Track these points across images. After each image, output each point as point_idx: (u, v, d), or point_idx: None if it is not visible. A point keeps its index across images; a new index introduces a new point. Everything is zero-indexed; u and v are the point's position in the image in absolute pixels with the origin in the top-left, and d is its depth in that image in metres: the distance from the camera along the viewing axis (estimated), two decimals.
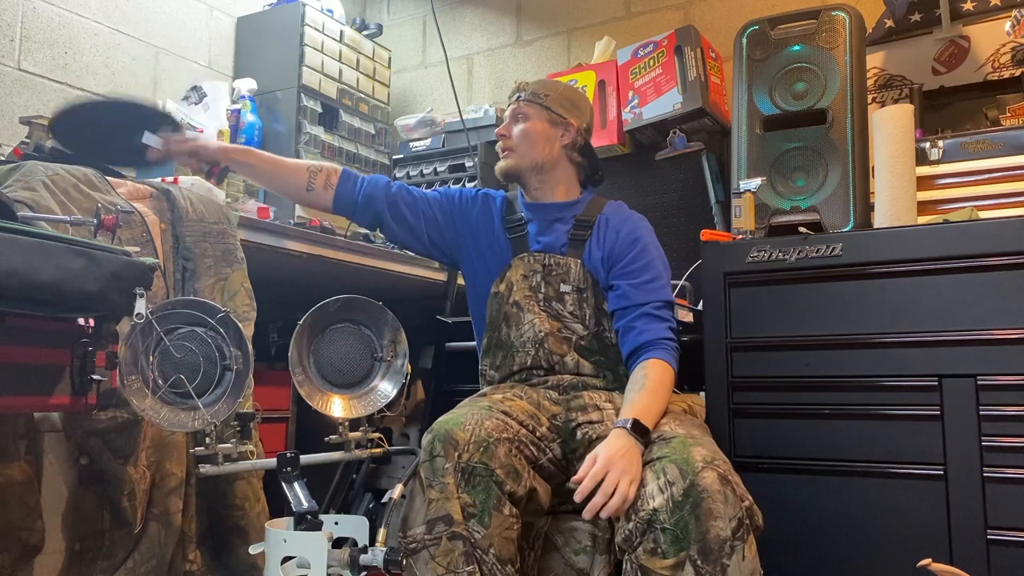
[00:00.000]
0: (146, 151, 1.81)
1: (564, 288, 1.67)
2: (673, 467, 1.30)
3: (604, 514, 1.30)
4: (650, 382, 1.50)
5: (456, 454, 1.33)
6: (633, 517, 1.30)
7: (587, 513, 1.31)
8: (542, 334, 1.65)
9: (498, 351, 1.71)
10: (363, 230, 2.25)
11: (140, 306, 1.39)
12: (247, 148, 1.86)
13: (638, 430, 1.39)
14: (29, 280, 1.18)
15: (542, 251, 1.72)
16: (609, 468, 1.31)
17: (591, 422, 1.53)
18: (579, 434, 1.52)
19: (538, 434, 1.48)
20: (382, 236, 2.00)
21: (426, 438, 1.39)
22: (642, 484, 1.33)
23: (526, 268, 1.70)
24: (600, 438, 1.46)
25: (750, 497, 1.32)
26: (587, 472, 1.33)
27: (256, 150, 1.87)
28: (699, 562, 1.24)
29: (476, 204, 1.82)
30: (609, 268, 1.68)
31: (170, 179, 1.90)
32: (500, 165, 1.77)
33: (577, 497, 1.32)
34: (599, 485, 1.31)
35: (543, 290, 1.68)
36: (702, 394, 1.84)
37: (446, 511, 1.30)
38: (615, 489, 1.29)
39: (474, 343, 1.90)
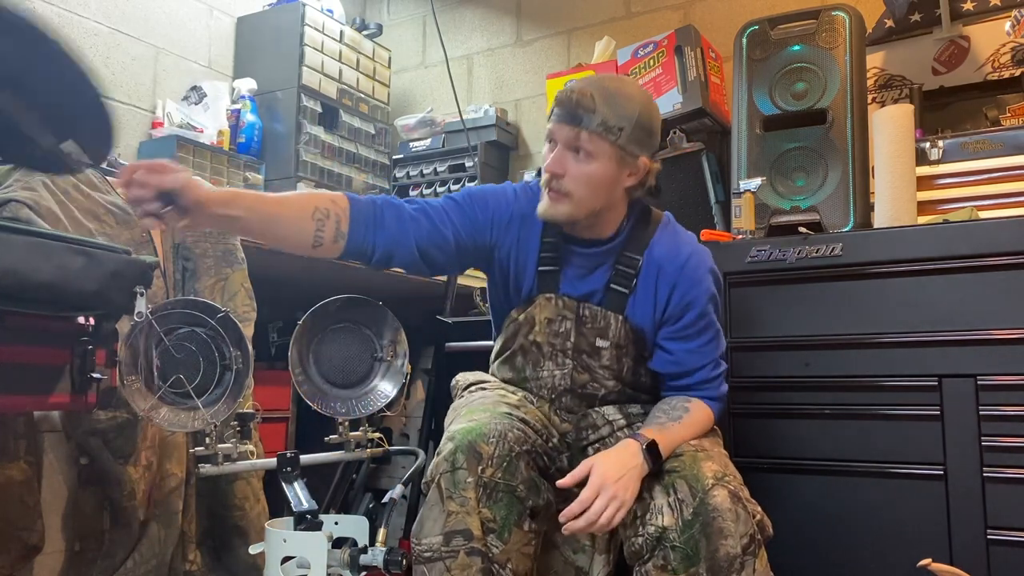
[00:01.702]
0: (63, 158, 1.24)
1: (601, 344, 1.48)
2: (683, 484, 1.29)
3: (582, 532, 1.29)
4: (688, 418, 1.41)
5: (479, 468, 1.30)
6: (641, 531, 1.29)
7: (566, 530, 1.28)
8: (561, 388, 1.52)
9: (510, 371, 1.59)
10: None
11: (140, 305, 1.39)
12: (231, 194, 1.32)
13: (652, 453, 1.31)
14: (29, 279, 1.18)
15: (576, 299, 1.49)
16: (600, 491, 1.26)
17: (601, 438, 1.50)
18: (590, 451, 1.49)
19: (550, 444, 1.46)
20: None
21: (447, 446, 1.33)
22: (650, 497, 1.31)
23: (553, 312, 1.49)
24: None
25: (760, 510, 1.31)
26: (576, 480, 1.29)
27: (243, 194, 1.35)
28: None
29: (516, 220, 1.52)
30: (660, 326, 1.48)
31: None
32: (549, 211, 1.42)
33: (561, 519, 1.28)
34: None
35: (573, 339, 1.49)
36: None
37: (466, 525, 1.27)
38: (600, 515, 1.25)
39: (474, 343, 1.88)
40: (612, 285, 1.48)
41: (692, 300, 1.45)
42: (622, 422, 1.50)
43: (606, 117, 1.36)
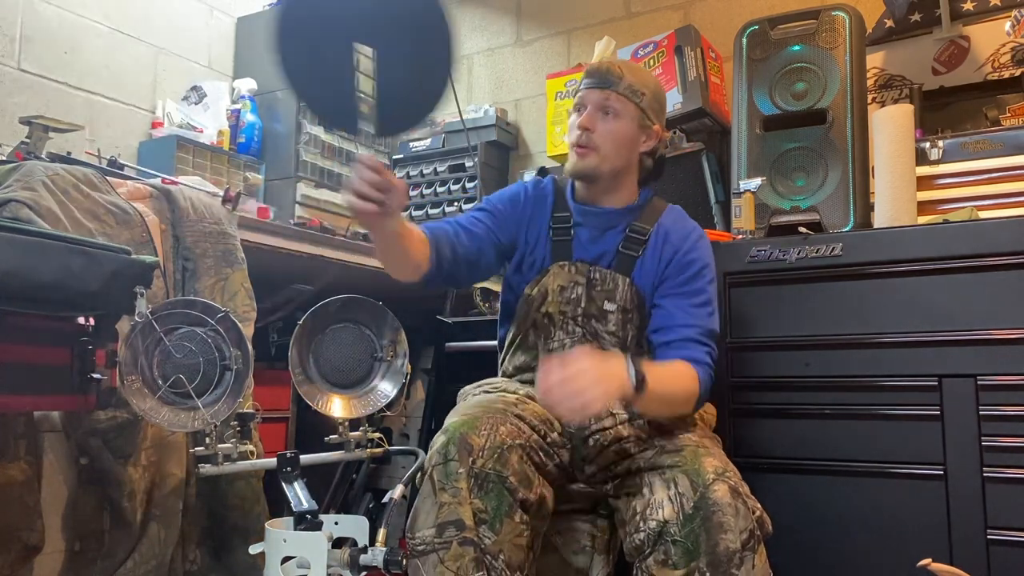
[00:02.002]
0: (355, 117, 1.27)
1: (608, 307, 1.55)
2: (684, 478, 1.30)
3: (551, 409, 1.25)
4: (674, 368, 1.43)
5: (470, 459, 1.31)
6: (643, 527, 1.31)
7: (541, 392, 1.21)
8: None
9: (522, 355, 1.63)
10: (363, 230, 2.23)
11: (140, 305, 1.39)
12: (404, 220, 1.42)
13: (638, 378, 1.27)
14: (29, 279, 1.18)
15: (588, 262, 1.58)
16: (576, 360, 1.20)
17: (604, 428, 1.51)
18: (591, 441, 1.49)
19: (548, 440, 1.46)
20: None
21: (439, 439, 1.36)
22: (651, 492, 1.33)
23: (566, 279, 1.57)
24: (613, 443, 1.45)
25: (760, 506, 1.32)
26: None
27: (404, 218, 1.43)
28: (708, 573, 1.25)
29: (529, 202, 1.65)
30: (659, 285, 1.56)
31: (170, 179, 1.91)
32: (576, 165, 1.55)
33: (539, 386, 1.22)
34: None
35: (583, 304, 1.56)
36: None
37: (458, 516, 1.29)
38: (576, 392, 1.18)
39: (475, 343, 1.89)
40: (622, 249, 1.57)
41: (693, 259, 1.55)
42: (624, 417, 1.51)
43: (632, 82, 1.55)
